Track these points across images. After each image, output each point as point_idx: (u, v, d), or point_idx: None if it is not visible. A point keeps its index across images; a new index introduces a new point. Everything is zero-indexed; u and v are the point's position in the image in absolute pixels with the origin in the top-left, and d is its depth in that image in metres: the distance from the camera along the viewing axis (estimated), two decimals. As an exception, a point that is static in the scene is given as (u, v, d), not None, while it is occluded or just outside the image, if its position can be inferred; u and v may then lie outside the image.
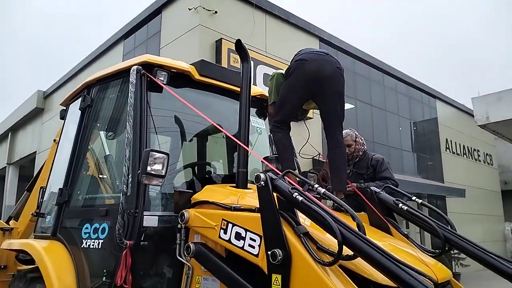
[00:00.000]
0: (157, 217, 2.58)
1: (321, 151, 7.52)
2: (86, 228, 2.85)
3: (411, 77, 15.91)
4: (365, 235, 1.69)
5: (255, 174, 2.02)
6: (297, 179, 2.33)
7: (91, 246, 2.77)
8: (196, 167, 3.44)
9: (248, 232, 2.07)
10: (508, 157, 22.89)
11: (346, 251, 1.67)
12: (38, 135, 17.41)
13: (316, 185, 1.93)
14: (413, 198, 2.63)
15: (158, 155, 2.40)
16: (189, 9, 8.92)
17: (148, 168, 2.36)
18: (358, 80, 13.04)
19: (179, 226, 2.47)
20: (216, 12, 8.97)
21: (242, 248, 2.07)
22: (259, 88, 3.77)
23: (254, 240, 2.02)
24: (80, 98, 3.37)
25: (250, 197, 2.44)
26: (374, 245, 1.62)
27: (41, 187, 3.77)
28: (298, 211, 1.99)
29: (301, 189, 1.91)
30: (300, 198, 1.83)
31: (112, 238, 2.60)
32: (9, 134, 20.81)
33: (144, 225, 2.52)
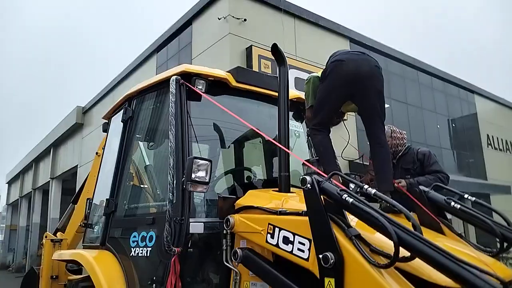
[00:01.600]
0: (202, 223, 2.60)
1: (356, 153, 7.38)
2: (134, 236, 2.91)
3: (447, 73, 15.42)
4: (422, 235, 1.63)
5: (301, 177, 2.00)
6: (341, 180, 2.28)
7: (139, 254, 2.82)
8: (236, 173, 3.45)
9: (296, 236, 2.04)
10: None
11: (403, 252, 1.62)
12: (79, 149, 18.03)
13: (366, 186, 1.89)
14: (466, 196, 2.52)
15: (201, 162, 2.42)
16: (219, 19, 9.03)
17: (193, 175, 2.38)
18: (391, 79, 12.75)
19: (224, 231, 2.48)
20: (245, 19, 9.04)
21: (291, 252, 2.05)
22: (295, 91, 3.75)
23: (303, 244, 1.99)
24: (122, 111, 3.46)
25: (294, 200, 2.41)
26: (433, 244, 1.56)
27: (87, 199, 3.88)
28: (347, 213, 1.96)
29: (349, 190, 1.87)
30: (350, 200, 1.79)
31: (159, 246, 2.64)
32: (51, 150, 21.63)
33: (190, 231, 2.54)
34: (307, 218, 1.98)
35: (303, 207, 2.12)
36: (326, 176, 2.00)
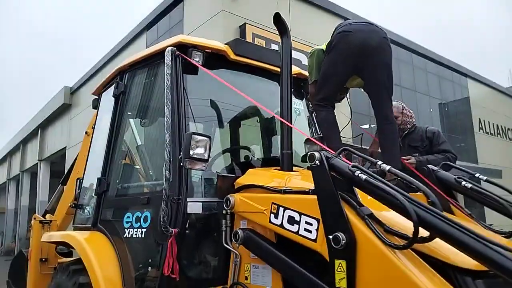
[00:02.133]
0: (201, 203, 2.47)
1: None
2: (128, 217, 2.77)
3: (440, 55, 15.33)
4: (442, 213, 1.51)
5: (308, 152, 1.87)
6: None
7: (133, 236, 2.68)
8: (234, 152, 3.31)
9: (303, 216, 1.92)
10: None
11: (421, 232, 1.50)
12: (67, 130, 17.72)
13: (380, 162, 1.76)
14: (477, 175, 2.42)
15: (200, 138, 2.28)
16: (211, -5, 8.76)
17: (191, 152, 2.24)
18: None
19: (224, 212, 2.36)
20: (238, -4, 8.78)
21: (297, 233, 1.93)
22: (296, 67, 3.58)
23: (311, 224, 1.87)
24: (113, 86, 3.28)
25: (299, 179, 2.29)
26: (455, 223, 1.44)
27: (77, 179, 3.71)
28: (358, 191, 1.84)
29: (362, 167, 1.74)
30: (364, 177, 1.67)
31: (155, 227, 2.51)
32: (39, 131, 21.28)
33: (188, 212, 2.41)
34: (314, 197, 1.86)
35: (309, 185, 2.00)
36: (333, 152, 1.87)
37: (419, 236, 1.50)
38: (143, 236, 2.61)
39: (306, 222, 1.89)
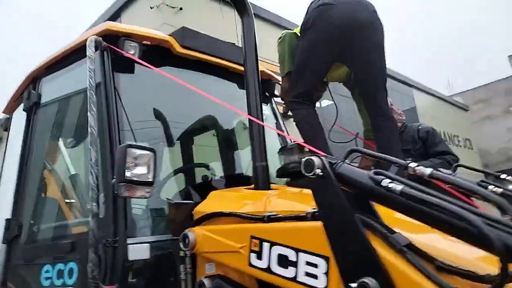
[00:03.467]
0: (148, 244, 1.76)
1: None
2: (47, 271, 2.00)
3: (388, 68, 15.56)
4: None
5: (304, 159, 1.26)
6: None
7: (55, 298, 1.91)
8: (189, 171, 2.64)
9: (301, 254, 1.29)
10: (485, 141, 23.02)
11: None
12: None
13: (413, 164, 1.17)
14: (503, 176, 1.91)
15: (140, 152, 1.61)
16: (151, 8, 8.10)
17: (128, 174, 1.57)
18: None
19: (182, 254, 1.69)
20: (181, 8, 8.19)
21: (293, 280, 1.29)
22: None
23: (316, 266, 1.24)
24: (24, 96, 2.51)
25: (285, 199, 1.67)
26: None
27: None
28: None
29: (388, 173, 1.15)
30: (398, 187, 1.07)
31: (85, 284, 1.76)
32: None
33: (130, 258, 1.70)
34: (317, 224, 1.24)
35: (304, 207, 1.39)
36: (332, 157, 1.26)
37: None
38: None
39: (308, 263, 1.26)
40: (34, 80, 2.52)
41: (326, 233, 1.19)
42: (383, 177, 1.11)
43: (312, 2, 2.26)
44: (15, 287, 2.18)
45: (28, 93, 2.47)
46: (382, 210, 1.25)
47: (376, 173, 1.14)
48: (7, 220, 2.31)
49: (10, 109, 2.95)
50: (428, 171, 1.13)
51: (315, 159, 1.22)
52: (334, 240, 1.17)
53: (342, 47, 2.12)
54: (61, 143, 2.61)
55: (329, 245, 1.19)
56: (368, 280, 1.07)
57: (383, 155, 1.26)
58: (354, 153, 1.34)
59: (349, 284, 1.11)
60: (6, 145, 2.90)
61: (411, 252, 1.08)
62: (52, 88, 2.47)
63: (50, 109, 2.46)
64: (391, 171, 1.35)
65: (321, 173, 1.21)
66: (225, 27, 8.75)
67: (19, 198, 2.34)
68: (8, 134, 2.92)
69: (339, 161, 1.25)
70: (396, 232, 1.14)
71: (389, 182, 1.10)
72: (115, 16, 9.45)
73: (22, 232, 2.26)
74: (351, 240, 1.14)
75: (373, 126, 2.24)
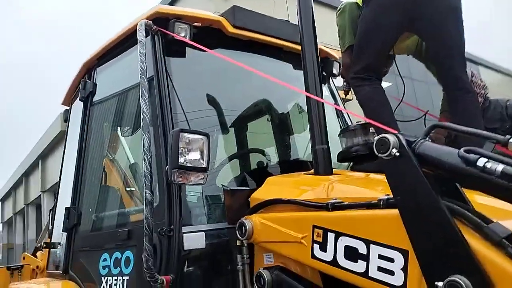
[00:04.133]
0: (203, 233, 1.67)
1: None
2: (104, 260, 1.99)
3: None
4: None
5: (377, 138, 1.09)
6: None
7: (113, 287, 1.90)
8: (244, 157, 2.54)
9: (373, 246, 1.13)
10: None
11: None
12: (67, 158, 17.06)
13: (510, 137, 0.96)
14: None
15: (193, 137, 1.53)
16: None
17: (181, 159, 1.49)
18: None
19: (239, 243, 1.59)
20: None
21: (364, 275, 1.14)
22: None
23: (391, 260, 1.08)
24: (80, 87, 2.53)
25: (351, 184, 1.51)
26: None
27: (50, 210, 2.95)
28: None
29: (484, 151, 0.95)
30: (500, 167, 0.88)
31: (141, 273, 1.72)
32: (39, 162, 20.71)
33: (185, 247, 1.63)
34: (393, 212, 1.08)
35: (374, 193, 1.23)
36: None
37: None
38: (125, 287, 1.83)
39: (382, 257, 1.10)
40: (89, 69, 2.53)
41: (404, 223, 1.02)
42: (478, 156, 0.92)
43: None
44: (75, 275, 2.20)
45: (83, 83, 2.48)
46: (469, 197, 1.07)
47: (467, 151, 0.95)
48: (66, 208, 2.34)
49: (68, 100, 3.00)
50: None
51: (390, 137, 1.06)
52: (414, 231, 1.00)
53: (411, 13, 1.88)
54: (118, 131, 2.61)
55: (408, 237, 1.02)
56: (459, 278, 0.90)
57: (475, 129, 1.06)
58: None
59: (435, 283, 0.94)
60: (66, 136, 2.97)
61: (513, 245, 0.89)
62: (107, 77, 2.46)
63: (106, 98, 2.45)
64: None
65: (397, 153, 1.04)
66: (276, 15, 8.59)
67: (78, 187, 2.37)
68: (68, 125, 2.97)
69: (419, 139, 1.07)
70: (493, 222, 0.95)
71: (486, 162, 0.91)
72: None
73: (81, 221, 2.28)
74: (436, 231, 0.97)
75: (450, 100, 1.99)
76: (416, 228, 1.00)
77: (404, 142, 1.04)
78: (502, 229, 0.93)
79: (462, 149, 0.96)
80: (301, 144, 2.72)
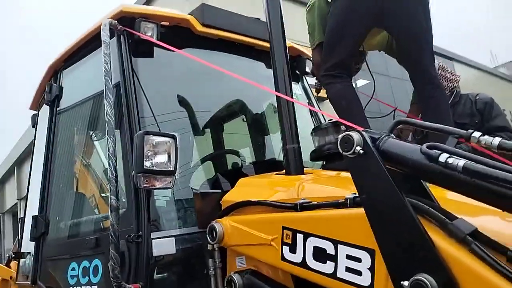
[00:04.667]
0: (173, 238, 1.63)
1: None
2: (73, 269, 1.92)
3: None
4: None
5: (341, 136, 1.07)
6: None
7: (82, 297, 1.84)
8: (217, 158, 2.50)
9: (341, 246, 1.11)
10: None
11: None
12: (44, 164, 16.68)
13: (477, 133, 0.95)
14: None
15: (159, 139, 1.49)
16: (178, -3, 8.01)
17: (147, 163, 1.44)
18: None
19: (209, 247, 1.55)
20: (207, -4, 8.03)
21: (333, 276, 1.12)
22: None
23: (359, 260, 1.06)
24: (46, 90, 2.44)
25: (320, 184, 1.49)
26: None
27: (19, 218, 2.85)
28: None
29: (446, 146, 0.94)
30: (461, 162, 0.86)
31: (109, 282, 1.66)
32: (15, 169, 20.23)
33: (154, 254, 1.58)
34: (358, 211, 1.06)
35: (342, 192, 1.21)
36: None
37: None
38: None
39: (349, 257, 1.08)
40: (55, 72, 2.45)
41: (370, 221, 1.01)
42: (440, 151, 0.91)
43: None
44: (44, 286, 2.13)
45: (49, 86, 2.40)
46: (436, 193, 1.06)
47: (430, 147, 0.93)
48: (33, 217, 2.26)
49: (36, 104, 2.91)
50: (496, 141, 0.91)
51: (354, 134, 1.04)
52: (379, 230, 0.99)
53: (379, 9, 1.87)
54: (85, 136, 2.54)
55: (374, 236, 1.00)
56: (424, 277, 0.89)
57: (437, 125, 1.05)
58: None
59: (400, 282, 0.92)
60: (34, 142, 2.87)
61: (477, 241, 0.88)
62: (74, 79, 2.39)
63: (73, 101, 2.38)
64: (448, 144, 1.14)
65: (362, 151, 1.02)
66: (256, 8, 8.56)
67: (45, 194, 2.29)
68: (36, 130, 2.88)
69: (383, 136, 1.06)
70: (457, 218, 0.94)
71: (448, 157, 0.89)
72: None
73: (49, 229, 2.21)
74: (401, 229, 0.95)
75: (419, 95, 1.99)
76: (381, 226, 0.98)
77: (368, 139, 1.03)
78: (466, 225, 0.91)
79: (424, 145, 0.94)
80: (277, 144, 2.70)
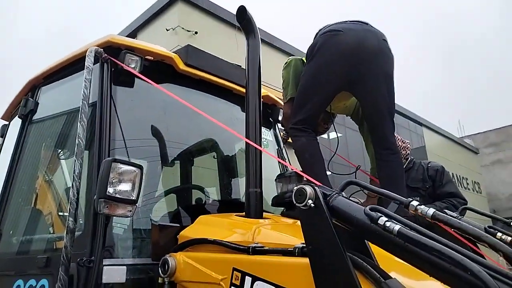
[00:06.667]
0: (125, 267, 1.64)
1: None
2: (18, 286, 1.88)
3: (397, 104, 15.53)
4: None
5: (296, 188, 1.15)
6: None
7: (23, 318, 1.79)
8: (182, 192, 2.53)
9: (285, 292, 1.16)
10: (495, 185, 22.64)
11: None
12: None
13: (415, 202, 1.06)
14: (515, 223, 1.78)
15: (126, 168, 1.53)
16: (167, 30, 8.21)
17: (110, 190, 1.48)
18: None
19: (160, 280, 1.57)
20: (196, 32, 8.29)
21: (274, 321, 1.16)
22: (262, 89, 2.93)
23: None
24: (21, 103, 2.46)
25: (275, 230, 1.55)
26: None
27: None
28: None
29: (386, 210, 1.03)
30: (396, 227, 0.96)
31: (54, 305, 1.64)
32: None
33: (104, 281, 1.58)
34: (304, 260, 1.13)
35: (293, 240, 1.28)
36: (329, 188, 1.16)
37: None
38: None
39: (292, 304, 1.14)
40: (33, 87, 2.48)
41: (313, 272, 1.07)
42: (380, 215, 1.00)
43: (320, 29, 2.21)
44: (-13, 302, 2.05)
45: (25, 100, 2.41)
46: (381, 252, 1.14)
47: (372, 209, 1.03)
48: None
49: (8, 115, 2.89)
50: (430, 211, 1.02)
51: (308, 188, 1.12)
52: (319, 281, 1.05)
53: (348, 75, 2.04)
54: (53, 154, 2.53)
55: (315, 286, 1.06)
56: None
57: (381, 189, 1.15)
58: (355, 189, 1.24)
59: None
60: (0, 152, 2.83)
61: (407, 302, 0.96)
62: (51, 97, 2.42)
63: (47, 118, 2.40)
64: (390, 208, 1.24)
65: (312, 204, 1.10)
66: (240, 52, 8.84)
67: (2, 207, 2.25)
68: (3, 141, 2.85)
69: (334, 193, 1.15)
70: (391, 278, 1.02)
71: (386, 221, 0.98)
72: (131, 37, 9.60)
73: (0, 243, 2.15)
74: (339, 282, 1.02)
75: (377, 160, 2.13)
76: (321, 278, 1.05)
77: (319, 194, 1.11)
78: (398, 285, 0.99)
79: (367, 207, 1.03)
80: (243, 186, 2.76)
